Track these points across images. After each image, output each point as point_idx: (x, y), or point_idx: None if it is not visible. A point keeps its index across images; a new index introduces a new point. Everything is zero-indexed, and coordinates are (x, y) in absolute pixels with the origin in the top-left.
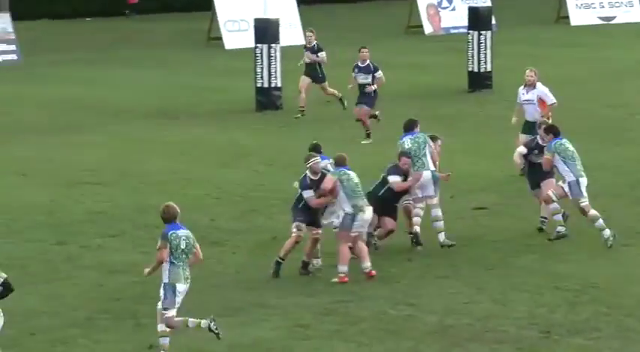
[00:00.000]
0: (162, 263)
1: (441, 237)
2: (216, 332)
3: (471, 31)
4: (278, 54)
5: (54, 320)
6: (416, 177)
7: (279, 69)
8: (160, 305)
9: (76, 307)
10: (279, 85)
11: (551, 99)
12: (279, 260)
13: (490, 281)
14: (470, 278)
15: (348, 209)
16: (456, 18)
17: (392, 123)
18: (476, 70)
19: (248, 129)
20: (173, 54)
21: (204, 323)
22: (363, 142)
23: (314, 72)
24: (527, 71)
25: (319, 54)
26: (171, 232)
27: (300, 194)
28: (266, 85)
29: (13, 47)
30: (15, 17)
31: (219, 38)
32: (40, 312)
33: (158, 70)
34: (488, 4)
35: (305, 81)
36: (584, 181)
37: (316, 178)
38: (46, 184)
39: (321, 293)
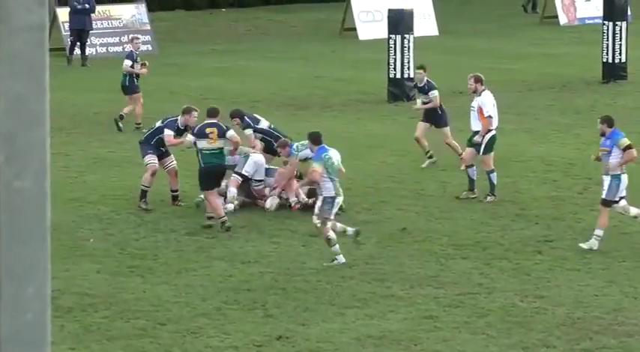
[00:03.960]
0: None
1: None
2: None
3: (606, 22)
4: (411, 45)
5: (184, 311)
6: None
7: (412, 60)
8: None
9: (205, 297)
10: (411, 75)
11: None
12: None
13: (621, 273)
14: (600, 270)
15: (329, 193)
16: (591, 8)
17: (531, 114)
18: (610, 60)
19: (380, 120)
20: (307, 44)
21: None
22: (423, 166)
23: (434, 114)
24: None
25: (430, 94)
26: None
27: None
28: (399, 75)
29: (148, 38)
30: (150, 8)
31: (353, 29)
32: (170, 302)
33: (293, 61)
34: None
35: (421, 127)
36: None
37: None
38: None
39: (450, 284)
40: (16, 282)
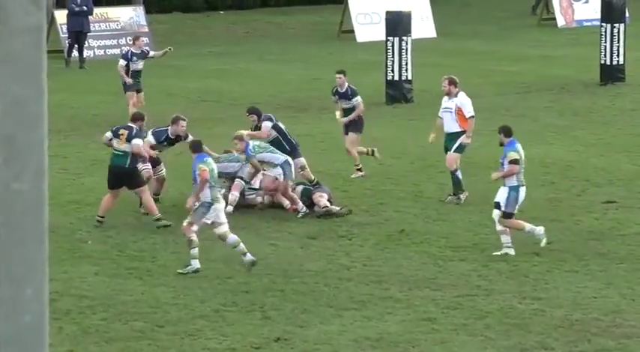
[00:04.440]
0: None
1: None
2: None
3: (604, 24)
4: (409, 47)
5: (182, 313)
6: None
7: (410, 62)
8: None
9: (204, 299)
10: (409, 77)
11: None
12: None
13: (619, 275)
14: (598, 272)
15: (207, 198)
16: (588, 10)
17: (529, 116)
18: (608, 62)
19: (378, 122)
20: (305, 47)
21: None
22: (352, 177)
23: (352, 123)
24: None
25: (354, 100)
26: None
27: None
28: (397, 77)
29: (146, 40)
30: (148, 10)
31: (351, 31)
32: (168, 304)
33: (290, 63)
34: None
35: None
36: None
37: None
38: (176, 178)
39: (448, 286)
40: (15, 284)
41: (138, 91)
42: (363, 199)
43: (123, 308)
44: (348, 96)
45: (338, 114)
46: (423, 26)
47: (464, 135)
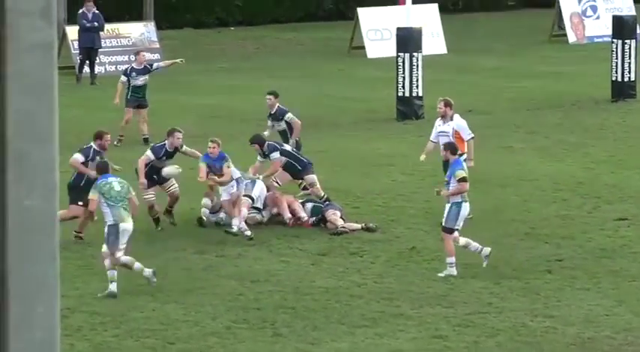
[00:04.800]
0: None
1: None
2: (153, 281)
3: (615, 40)
4: (420, 63)
5: (193, 330)
6: None
7: (421, 78)
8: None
9: (215, 316)
10: (420, 94)
11: None
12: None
13: (631, 292)
14: (610, 290)
15: (110, 220)
16: (600, 27)
17: (540, 133)
18: (620, 79)
19: (389, 138)
20: (316, 63)
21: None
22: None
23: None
24: None
25: (287, 117)
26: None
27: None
28: (407, 94)
29: (157, 56)
30: (159, 26)
31: (362, 47)
32: (180, 321)
33: (301, 79)
34: (633, 12)
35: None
36: None
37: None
38: (185, 192)
39: (459, 304)
40: (26, 301)
41: (140, 107)
42: (374, 216)
43: (134, 325)
44: (277, 117)
45: (266, 133)
46: (434, 42)
47: (466, 161)
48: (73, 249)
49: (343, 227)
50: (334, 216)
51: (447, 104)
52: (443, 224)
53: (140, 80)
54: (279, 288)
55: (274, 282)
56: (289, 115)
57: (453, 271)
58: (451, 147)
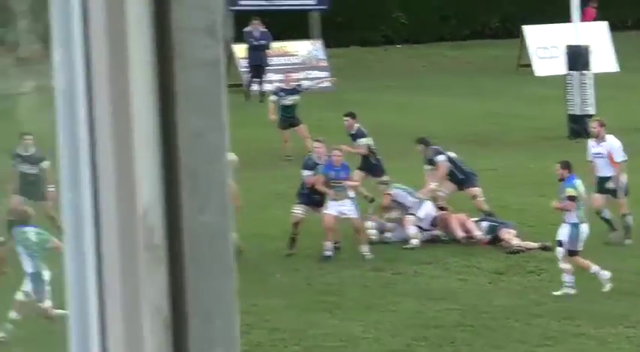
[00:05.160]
0: None
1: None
2: None
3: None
4: (590, 81)
5: (373, 347)
6: None
7: (591, 96)
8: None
9: (395, 334)
10: (591, 112)
11: None
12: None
13: None
14: None
15: (31, 270)
16: None
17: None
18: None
19: (561, 156)
20: (483, 80)
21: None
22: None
23: (367, 164)
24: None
25: (359, 141)
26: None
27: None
28: (578, 112)
29: (325, 74)
30: (327, 44)
31: (529, 65)
32: (359, 338)
33: (469, 96)
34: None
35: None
36: None
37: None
38: None
39: None
40: (205, 317)
41: (292, 125)
42: (551, 235)
43: (314, 341)
44: (358, 137)
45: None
46: (604, 60)
47: (611, 181)
48: (248, 265)
49: (519, 246)
50: (509, 235)
51: (601, 124)
52: (566, 247)
53: (289, 100)
54: (457, 306)
55: (452, 300)
56: (363, 140)
57: (572, 291)
58: (565, 165)
